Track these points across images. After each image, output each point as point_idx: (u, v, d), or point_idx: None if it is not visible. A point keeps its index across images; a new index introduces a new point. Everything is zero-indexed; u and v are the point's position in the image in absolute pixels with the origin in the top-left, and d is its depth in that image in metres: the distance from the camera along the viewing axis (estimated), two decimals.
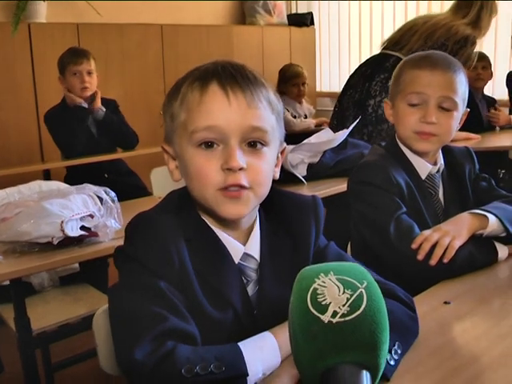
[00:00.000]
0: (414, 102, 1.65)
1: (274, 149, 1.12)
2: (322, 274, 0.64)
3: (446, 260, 1.45)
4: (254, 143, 1.07)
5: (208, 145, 1.05)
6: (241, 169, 1.04)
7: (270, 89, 1.11)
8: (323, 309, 0.61)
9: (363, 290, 0.62)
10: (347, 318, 0.60)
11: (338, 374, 0.60)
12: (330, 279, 0.63)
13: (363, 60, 3.59)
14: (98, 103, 3.60)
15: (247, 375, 0.92)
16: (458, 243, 1.47)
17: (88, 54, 3.57)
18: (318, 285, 0.63)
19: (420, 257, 1.47)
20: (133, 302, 1.01)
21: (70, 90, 3.56)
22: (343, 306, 0.61)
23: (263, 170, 1.09)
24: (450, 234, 1.48)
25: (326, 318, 0.60)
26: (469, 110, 1.71)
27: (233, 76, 1.06)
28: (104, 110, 3.62)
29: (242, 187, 1.05)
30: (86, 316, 2.20)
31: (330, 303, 0.61)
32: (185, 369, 0.90)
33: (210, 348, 0.96)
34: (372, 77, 3.17)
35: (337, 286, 0.63)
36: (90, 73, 3.55)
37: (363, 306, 0.61)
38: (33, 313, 2.06)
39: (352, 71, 3.46)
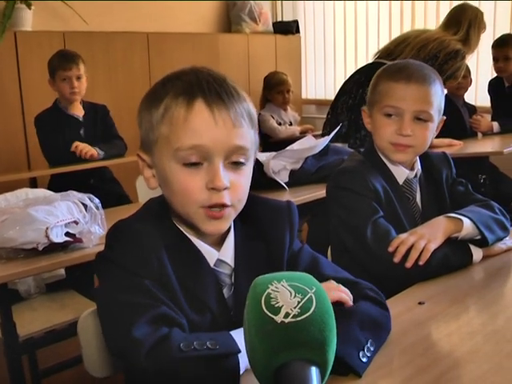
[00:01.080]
0: (389, 113, 1.69)
1: (252, 162, 1.16)
2: (274, 281, 0.69)
3: (421, 262, 1.49)
4: (237, 160, 1.10)
5: (193, 164, 1.07)
6: (225, 188, 1.07)
7: (249, 101, 1.13)
8: (276, 311, 0.65)
9: (313, 295, 0.67)
10: (298, 319, 0.65)
11: (289, 370, 0.64)
12: (282, 285, 0.68)
13: (348, 67, 3.66)
14: (95, 154, 3.60)
15: (240, 352, 0.97)
16: (433, 246, 1.51)
17: (77, 58, 3.61)
18: (272, 290, 0.67)
19: (396, 259, 1.50)
20: (122, 297, 1.05)
21: (60, 94, 3.61)
22: (294, 308, 0.65)
23: (244, 186, 1.13)
24: (426, 237, 1.52)
25: (279, 318, 0.64)
26: (445, 117, 1.75)
27: (218, 93, 1.07)
28: (102, 153, 3.64)
29: (224, 205, 1.09)
30: (72, 322, 2.21)
31: (283, 306, 0.65)
32: (183, 344, 0.96)
33: (202, 333, 1.03)
34: (366, 83, 3.22)
35: (289, 291, 0.67)
36: (79, 78, 3.59)
37: (313, 308, 0.66)
38: (19, 319, 2.08)
39: (337, 78, 3.56)
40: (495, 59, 4.35)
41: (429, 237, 1.52)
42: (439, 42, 3.35)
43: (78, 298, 2.47)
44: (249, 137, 1.11)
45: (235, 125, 1.07)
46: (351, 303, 1.15)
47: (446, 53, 3.34)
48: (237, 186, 1.10)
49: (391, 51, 3.41)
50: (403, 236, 1.54)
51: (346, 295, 1.15)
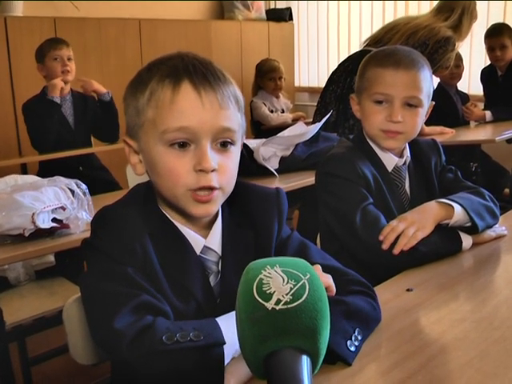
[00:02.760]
0: (379, 100, 1.67)
1: (239, 146, 1.15)
2: (268, 266, 0.67)
3: (405, 248, 1.48)
4: (224, 143, 1.09)
5: (181, 144, 1.06)
6: (213, 170, 1.06)
7: (235, 85, 1.13)
8: (268, 297, 0.64)
9: (306, 281, 0.66)
10: (290, 306, 0.63)
11: (279, 358, 0.63)
12: (275, 271, 0.67)
13: (341, 55, 3.64)
14: (103, 88, 3.71)
15: (224, 343, 0.95)
16: (421, 235, 1.50)
17: (67, 42, 3.62)
18: (264, 275, 0.66)
19: (385, 246, 1.49)
20: (105, 285, 1.04)
21: (50, 76, 3.57)
22: (286, 294, 0.64)
23: (232, 169, 1.12)
24: (416, 225, 1.51)
25: (270, 305, 0.63)
26: (434, 102, 1.74)
27: (204, 75, 1.06)
28: (110, 94, 3.72)
29: (212, 188, 1.07)
30: (61, 309, 2.19)
31: (275, 292, 0.64)
32: (166, 336, 0.94)
33: (187, 321, 1.01)
34: (354, 72, 3.19)
35: (281, 277, 0.66)
36: (69, 59, 3.59)
37: (305, 295, 0.64)
38: (8, 307, 2.07)
39: (330, 66, 3.53)
40: (491, 48, 4.31)
41: (419, 225, 1.51)
42: (429, 30, 3.31)
43: (67, 284, 2.46)
44: (235, 119, 1.10)
45: (222, 106, 1.06)
46: (333, 294, 1.13)
47: (435, 40, 3.30)
48: (224, 169, 1.09)
49: (380, 38, 3.38)
50: (393, 223, 1.53)
51: (332, 283, 1.14)
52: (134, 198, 1.17)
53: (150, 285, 1.06)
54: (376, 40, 3.39)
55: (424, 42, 3.28)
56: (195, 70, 1.06)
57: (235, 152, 1.12)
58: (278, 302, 0.64)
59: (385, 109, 1.66)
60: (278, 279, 0.66)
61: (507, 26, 4.32)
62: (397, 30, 3.34)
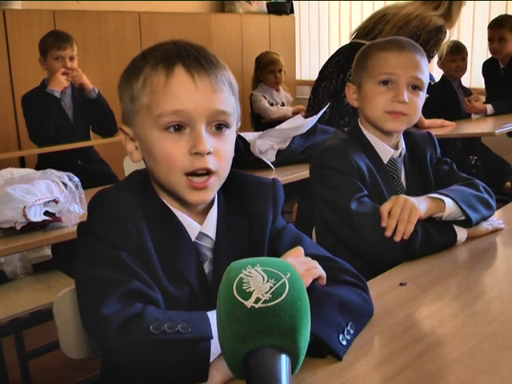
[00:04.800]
0: (385, 81, 1.66)
1: (234, 130, 1.15)
2: (249, 266, 0.68)
3: (406, 237, 1.46)
4: (219, 126, 1.09)
5: (176, 128, 1.06)
6: (208, 153, 1.06)
7: (228, 70, 1.13)
8: (247, 296, 0.64)
9: (286, 281, 0.66)
10: (269, 304, 0.63)
11: (258, 356, 0.63)
12: (256, 270, 0.67)
13: None
14: (90, 84, 3.65)
15: (211, 338, 0.94)
16: (414, 216, 1.47)
17: (71, 39, 3.59)
18: (245, 275, 0.67)
19: (388, 233, 1.47)
20: (97, 270, 1.04)
21: (51, 74, 3.56)
22: (266, 293, 0.64)
23: (227, 153, 1.12)
24: (408, 206, 1.48)
25: (249, 303, 0.64)
26: (428, 95, 1.72)
27: (197, 59, 1.07)
28: (97, 91, 3.67)
29: (208, 171, 1.07)
30: None
31: (254, 290, 0.65)
32: (153, 326, 0.94)
33: (178, 312, 1.00)
34: (346, 67, 3.15)
35: (262, 276, 0.67)
36: (71, 58, 3.57)
37: (285, 294, 0.64)
38: (5, 300, 2.07)
39: None
40: (490, 40, 4.30)
41: (411, 205, 1.49)
42: (420, 19, 3.25)
43: (63, 278, 2.45)
44: (230, 102, 1.11)
45: (215, 89, 1.07)
46: (324, 282, 1.12)
47: (427, 31, 3.25)
48: (220, 152, 1.09)
49: (370, 30, 3.30)
50: (386, 207, 1.51)
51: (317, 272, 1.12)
52: (130, 183, 1.18)
53: (144, 270, 1.06)
54: (366, 31, 3.32)
55: (415, 33, 3.23)
56: (188, 55, 1.07)
57: (230, 136, 1.13)
58: (258, 300, 0.64)
59: (390, 90, 1.65)
60: (258, 278, 0.66)
61: (511, 18, 4.28)
62: (387, 20, 3.27)
